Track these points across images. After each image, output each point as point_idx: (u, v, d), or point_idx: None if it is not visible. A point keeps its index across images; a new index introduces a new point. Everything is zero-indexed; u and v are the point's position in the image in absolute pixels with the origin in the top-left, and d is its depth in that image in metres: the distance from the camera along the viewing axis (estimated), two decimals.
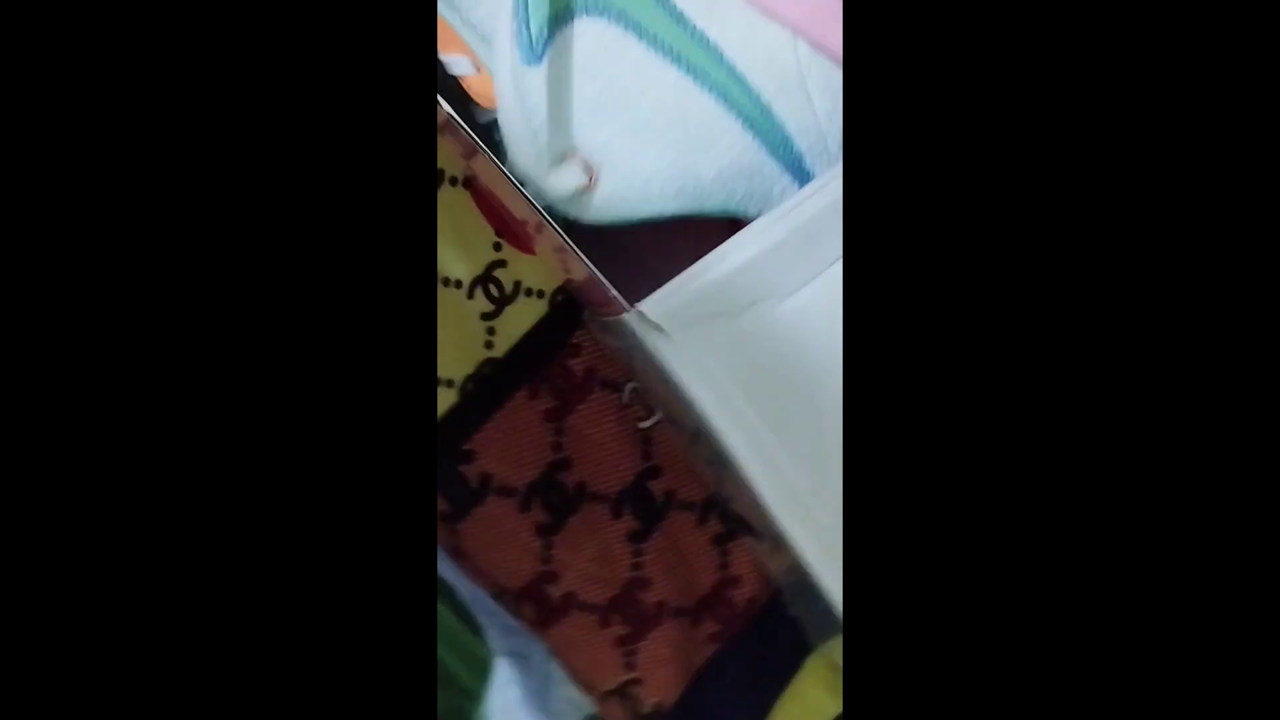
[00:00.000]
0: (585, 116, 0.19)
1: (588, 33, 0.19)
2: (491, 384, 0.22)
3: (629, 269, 0.19)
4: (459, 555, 0.23)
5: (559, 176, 0.18)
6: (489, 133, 0.19)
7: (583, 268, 0.19)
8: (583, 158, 0.18)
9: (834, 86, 0.19)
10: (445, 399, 0.23)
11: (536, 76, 0.18)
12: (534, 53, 0.18)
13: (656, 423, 0.22)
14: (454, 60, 0.20)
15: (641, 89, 0.19)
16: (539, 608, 0.23)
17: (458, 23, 0.19)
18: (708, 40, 0.18)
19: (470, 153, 0.19)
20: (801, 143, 0.19)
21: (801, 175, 0.19)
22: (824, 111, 0.19)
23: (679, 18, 0.19)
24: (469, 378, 0.22)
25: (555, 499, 0.24)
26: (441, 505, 0.23)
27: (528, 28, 0.18)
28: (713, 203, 0.19)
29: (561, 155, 0.18)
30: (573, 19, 0.18)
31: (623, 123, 0.19)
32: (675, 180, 0.19)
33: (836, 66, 0.19)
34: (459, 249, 0.21)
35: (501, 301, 0.21)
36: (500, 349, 0.21)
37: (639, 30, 0.19)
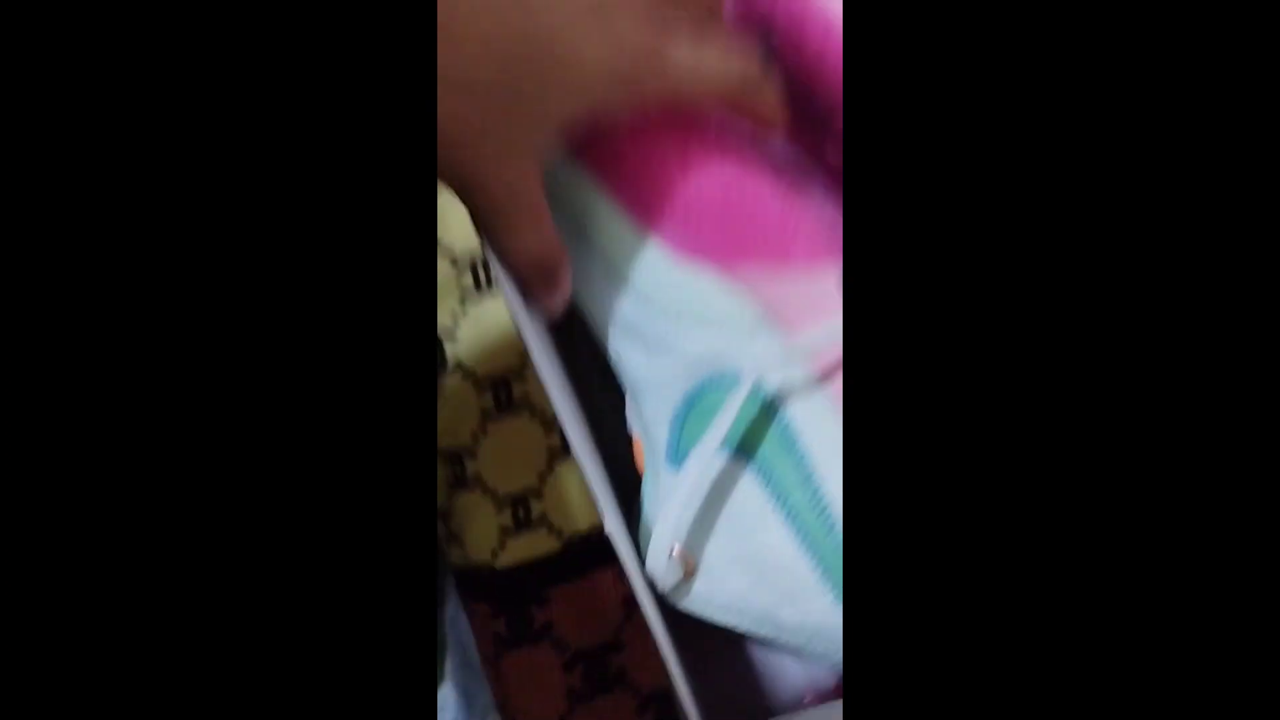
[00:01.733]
0: (701, 529, 0.21)
1: (729, 463, 0.21)
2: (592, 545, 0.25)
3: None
4: (495, 680, 0.26)
5: (662, 560, 0.21)
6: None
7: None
8: (685, 553, 0.21)
9: None
10: (548, 543, 0.26)
11: (674, 477, 0.21)
12: (677, 457, 0.21)
13: None
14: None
15: (755, 527, 0.21)
16: None
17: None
18: (824, 505, 0.20)
19: None
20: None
21: None
22: None
23: (808, 479, 0.20)
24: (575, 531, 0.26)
25: (596, 674, 0.26)
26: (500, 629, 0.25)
27: (680, 436, 0.21)
28: (783, 639, 0.21)
29: (670, 546, 0.21)
30: (726, 452, 0.21)
31: (732, 548, 0.21)
32: (756, 613, 0.21)
33: None
34: None
35: None
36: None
37: (769, 478, 0.21)
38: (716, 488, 0.20)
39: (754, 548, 0.21)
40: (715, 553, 0.21)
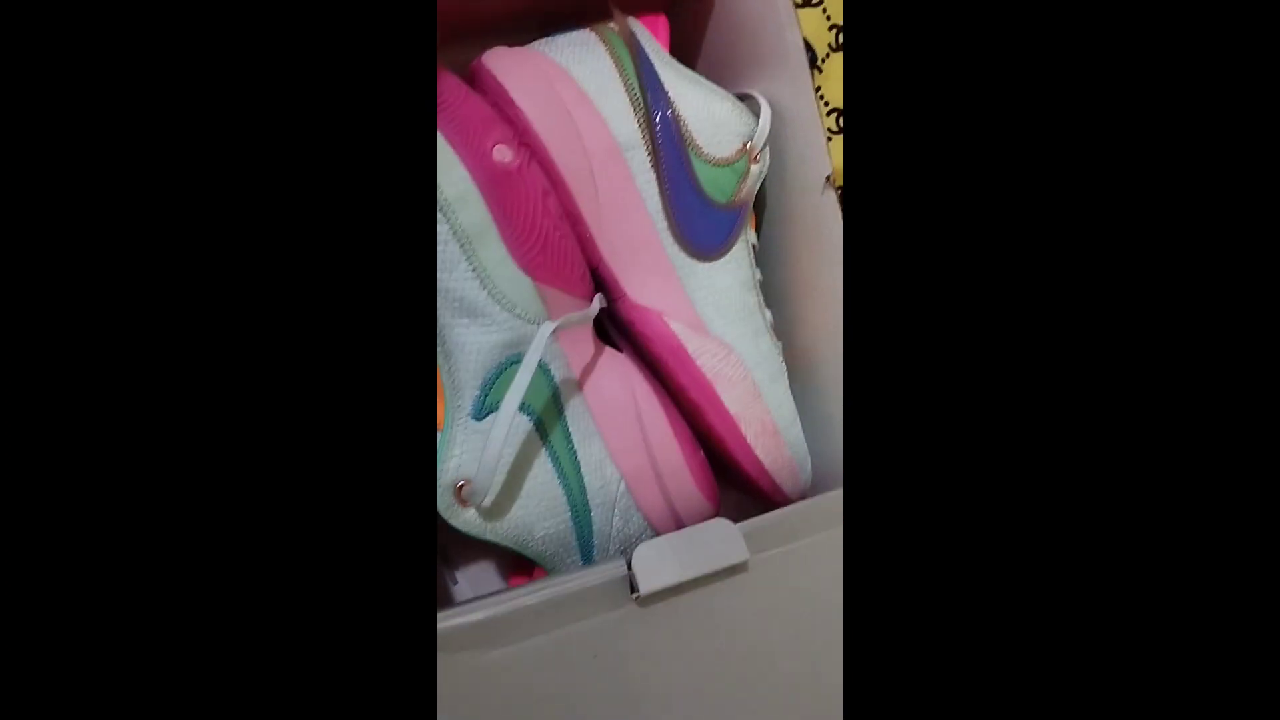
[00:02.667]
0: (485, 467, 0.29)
1: (518, 418, 0.29)
2: None
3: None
4: None
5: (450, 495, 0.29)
6: None
7: None
8: (468, 488, 0.29)
9: (629, 513, 0.31)
10: None
11: (476, 426, 0.29)
12: (480, 413, 0.29)
13: None
14: None
15: (527, 464, 0.30)
16: None
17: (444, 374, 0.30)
18: (576, 457, 0.30)
19: None
20: (597, 540, 0.31)
21: (588, 559, 0.31)
22: (617, 526, 0.31)
23: (568, 438, 0.30)
24: None
25: None
26: None
27: (485, 397, 0.29)
28: (530, 550, 0.30)
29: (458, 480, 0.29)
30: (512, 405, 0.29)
31: (505, 484, 0.29)
32: (515, 529, 0.30)
33: (634, 503, 0.31)
34: None
35: None
36: None
37: (544, 434, 0.30)
38: (510, 438, 0.28)
39: (524, 480, 0.29)
40: (498, 485, 0.29)
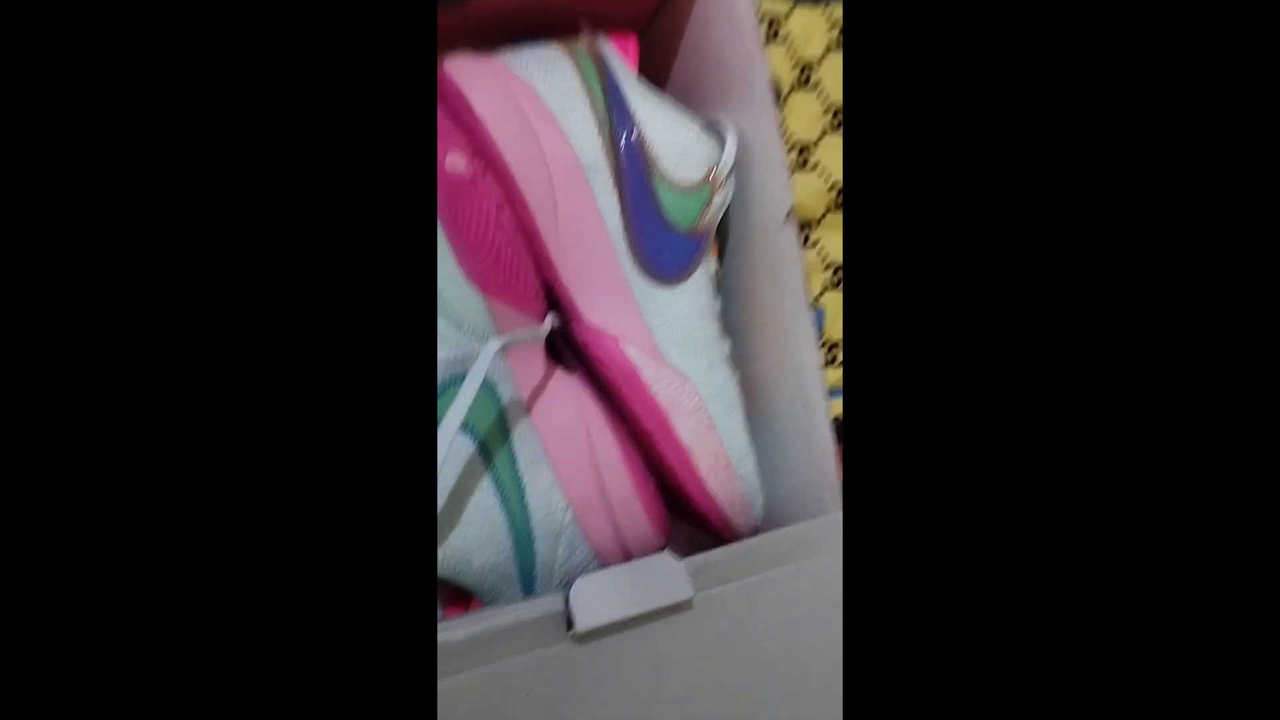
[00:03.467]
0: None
1: (459, 439, 0.28)
2: None
3: None
4: None
5: None
6: None
7: None
8: None
9: (576, 544, 0.30)
10: None
11: None
12: None
13: None
14: None
15: (467, 489, 0.28)
16: None
17: None
18: (521, 483, 0.29)
19: None
20: (539, 572, 0.29)
21: (529, 592, 0.29)
22: (562, 557, 0.30)
23: (513, 463, 0.29)
24: None
25: None
26: None
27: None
28: (468, 581, 0.29)
29: None
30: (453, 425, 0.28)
31: (444, 509, 0.28)
32: (452, 558, 0.28)
33: (582, 533, 0.30)
34: None
35: None
36: None
37: (487, 458, 0.29)
38: (450, 460, 0.27)
39: (463, 506, 0.28)
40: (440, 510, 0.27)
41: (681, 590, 0.26)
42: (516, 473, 0.28)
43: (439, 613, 0.31)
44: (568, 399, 0.30)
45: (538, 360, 0.30)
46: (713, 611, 0.27)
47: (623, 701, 0.26)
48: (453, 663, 0.24)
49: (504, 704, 0.24)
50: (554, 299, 0.30)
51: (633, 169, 0.29)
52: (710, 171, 0.30)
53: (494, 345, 0.27)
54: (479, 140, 0.27)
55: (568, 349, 0.32)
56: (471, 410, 0.26)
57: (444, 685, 0.24)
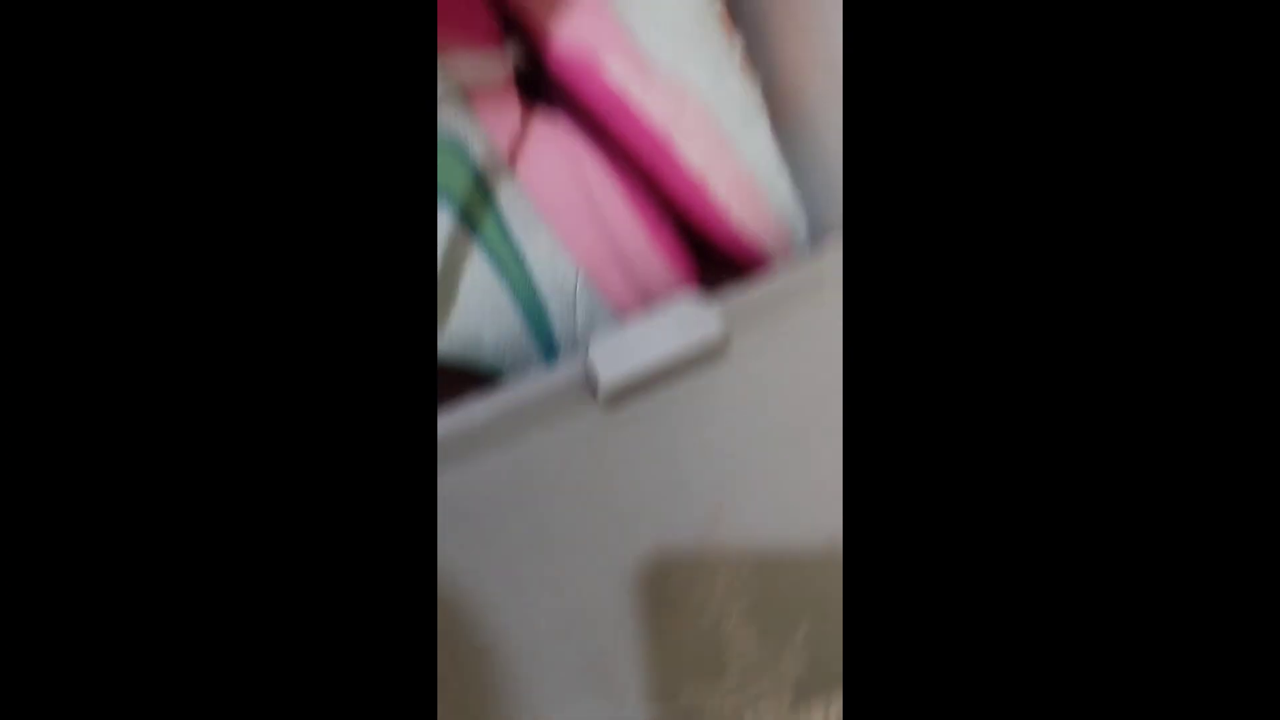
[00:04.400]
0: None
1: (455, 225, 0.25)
2: None
3: None
4: None
5: None
6: None
7: None
8: None
9: (594, 309, 0.26)
10: None
11: None
12: None
13: None
14: None
15: (455, 266, 0.25)
16: None
17: None
18: (519, 251, 0.25)
19: None
20: (561, 341, 0.26)
21: (552, 357, 0.26)
22: (582, 321, 0.26)
23: (503, 229, 0.25)
24: None
25: None
26: None
27: None
28: (486, 364, 0.26)
29: None
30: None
31: (447, 288, 0.25)
32: (460, 341, 0.25)
33: (598, 297, 0.26)
34: None
35: None
36: None
37: (473, 227, 0.25)
38: (447, 247, 0.24)
39: (456, 285, 0.25)
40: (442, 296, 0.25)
41: (710, 328, 0.23)
42: (509, 239, 0.25)
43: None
44: (556, 149, 0.25)
45: (511, 108, 0.25)
46: (753, 355, 0.24)
47: (660, 466, 0.24)
48: (473, 443, 0.22)
49: (533, 481, 0.23)
50: (516, 25, 0.25)
51: None
52: None
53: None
54: None
55: (551, 92, 0.27)
56: (442, 176, 0.23)
57: (469, 468, 0.22)
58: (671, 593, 0.24)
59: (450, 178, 0.24)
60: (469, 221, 0.25)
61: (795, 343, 0.24)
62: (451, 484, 0.22)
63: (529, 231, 0.25)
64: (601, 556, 0.23)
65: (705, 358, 0.23)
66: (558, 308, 0.26)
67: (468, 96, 0.23)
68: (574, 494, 0.23)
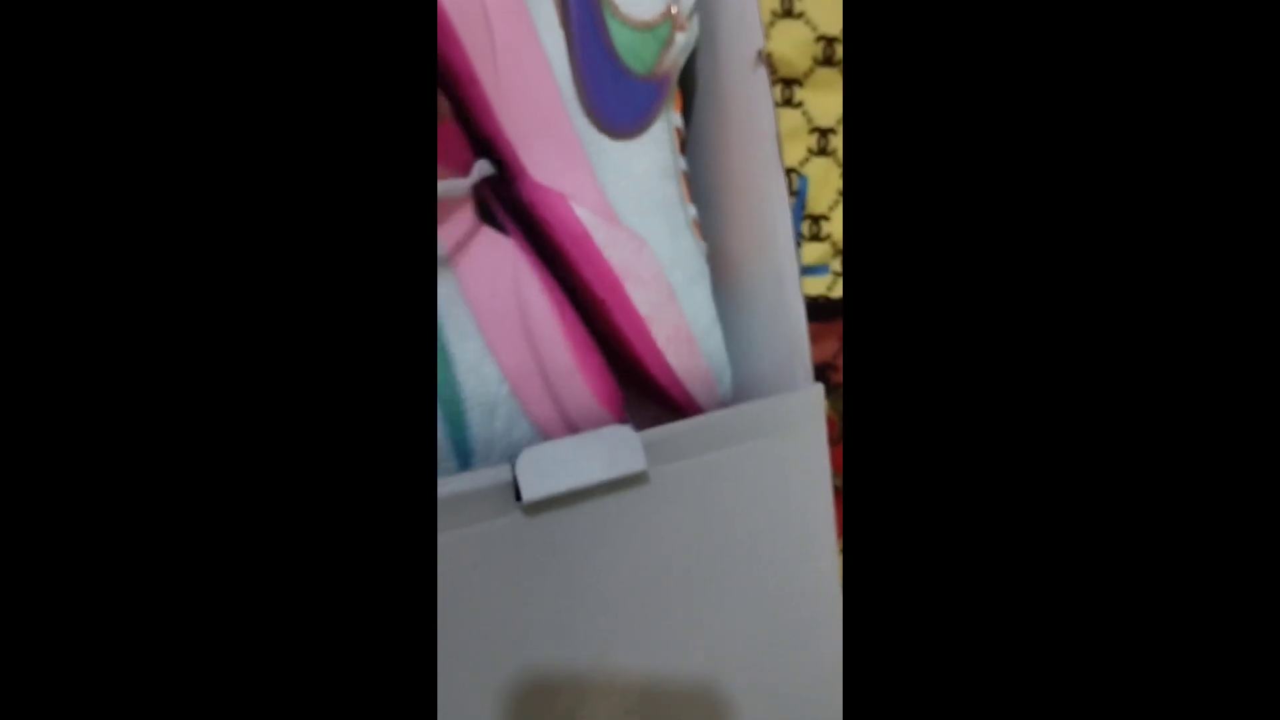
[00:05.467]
0: None
1: None
2: None
3: None
4: None
5: None
6: None
7: None
8: None
9: (514, 420, 0.27)
10: None
11: None
12: None
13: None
14: None
15: None
16: None
17: None
18: (448, 353, 0.26)
19: None
20: (476, 446, 0.26)
21: (465, 464, 0.26)
22: (500, 431, 0.27)
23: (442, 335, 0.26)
24: None
25: None
26: None
27: None
28: None
29: None
30: None
31: None
32: None
33: (519, 408, 0.27)
34: None
35: None
36: None
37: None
38: None
39: None
40: None
41: (634, 461, 0.24)
42: (440, 339, 0.26)
43: None
44: (500, 263, 0.27)
45: (465, 218, 0.27)
46: (672, 488, 0.25)
47: (573, 580, 0.24)
48: None
49: (453, 575, 0.23)
50: (495, 153, 0.27)
51: (580, 1, 0.26)
52: (670, 7, 0.27)
53: None
54: None
55: (502, 209, 0.29)
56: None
57: None
58: (558, 710, 0.24)
59: None
60: None
61: (715, 480, 0.25)
62: None
63: (460, 336, 0.26)
64: (499, 659, 0.23)
65: (625, 484, 0.24)
66: (478, 412, 0.27)
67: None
68: (487, 591, 0.23)
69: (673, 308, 0.28)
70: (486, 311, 0.26)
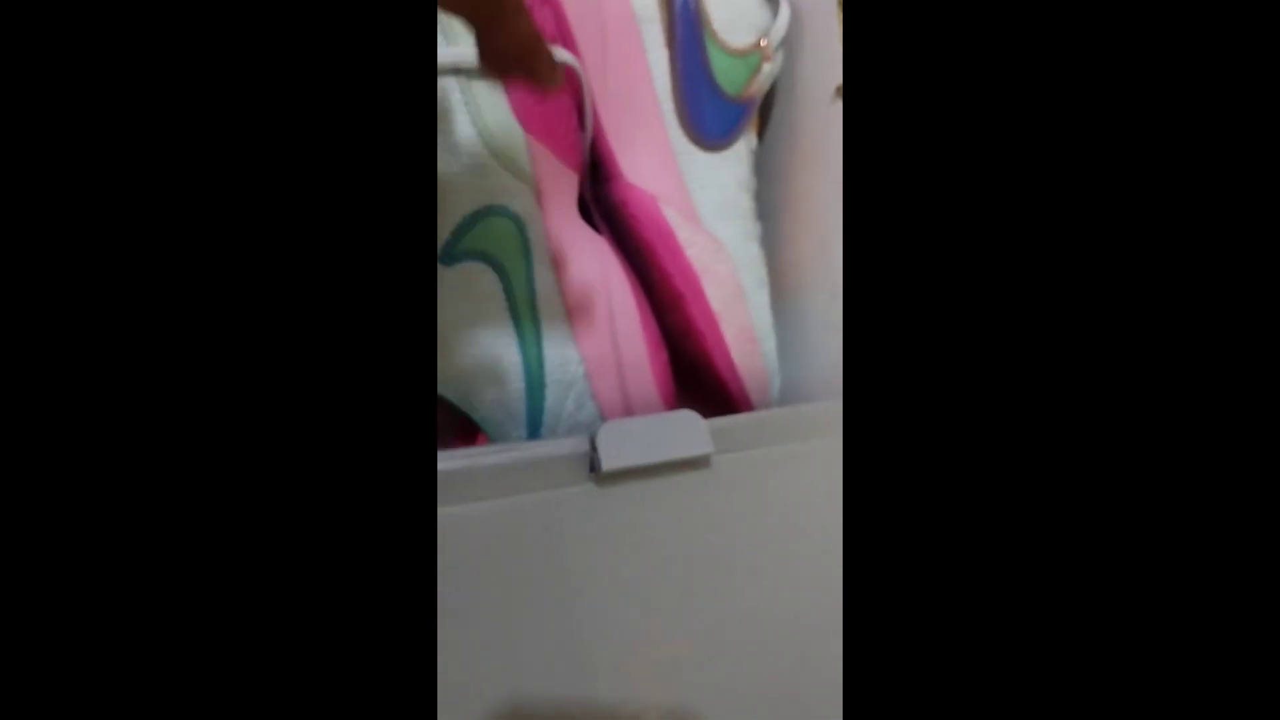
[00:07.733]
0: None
1: (485, 273, 0.28)
2: None
3: None
4: None
5: None
6: None
7: None
8: None
9: (583, 401, 0.29)
10: None
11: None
12: (448, 257, 0.27)
13: None
14: None
15: (487, 321, 0.28)
16: None
17: None
18: (540, 330, 0.28)
19: None
20: (547, 419, 0.29)
21: (534, 433, 0.29)
22: (570, 409, 0.29)
23: (533, 307, 0.28)
24: None
25: None
26: None
27: (457, 241, 0.27)
28: (477, 413, 0.28)
29: None
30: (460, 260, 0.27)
31: (462, 337, 0.27)
32: (463, 383, 0.28)
33: (590, 392, 0.29)
34: None
35: None
36: None
37: (510, 297, 0.28)
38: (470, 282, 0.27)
39: (481, 338, 0.27)
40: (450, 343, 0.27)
41: (703, 444, 0.26)
42: (536, 318, 0.28)
43: (445, 439, 0.31)
44: (594, 257, 0.29)
45: (570, 213, 0.29)
46: (729, 474, 0.27)
47: (639, 549, 0.26)
48: (478, 488, 0.24)
49: (525, 535, 0.24)
50: (594, 154, 0.29)
51: (685, 25, 0.28)
52: (761, 40, 0.30)
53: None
54: None
55: (598, 211, 0.31)
56: (497, 240, 0.26)
57: (464, 511, 0.24)
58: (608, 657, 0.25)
59: (503, 245, 0.27)
60: (507, 287, 0.27)
61: (767, 472, 0.27)
62: (446, 518, 0.23)
63: (552, 316, 0.28)
64: (563, 622, 0.25)
65: (689, 465, 0.26)
66: (555, 389, 0.28)
67: (539, 191, 0.27)
68: (558, 553, 0.25)
69: (741, 308, 0.30)
70: (577, 298, 0.28)
